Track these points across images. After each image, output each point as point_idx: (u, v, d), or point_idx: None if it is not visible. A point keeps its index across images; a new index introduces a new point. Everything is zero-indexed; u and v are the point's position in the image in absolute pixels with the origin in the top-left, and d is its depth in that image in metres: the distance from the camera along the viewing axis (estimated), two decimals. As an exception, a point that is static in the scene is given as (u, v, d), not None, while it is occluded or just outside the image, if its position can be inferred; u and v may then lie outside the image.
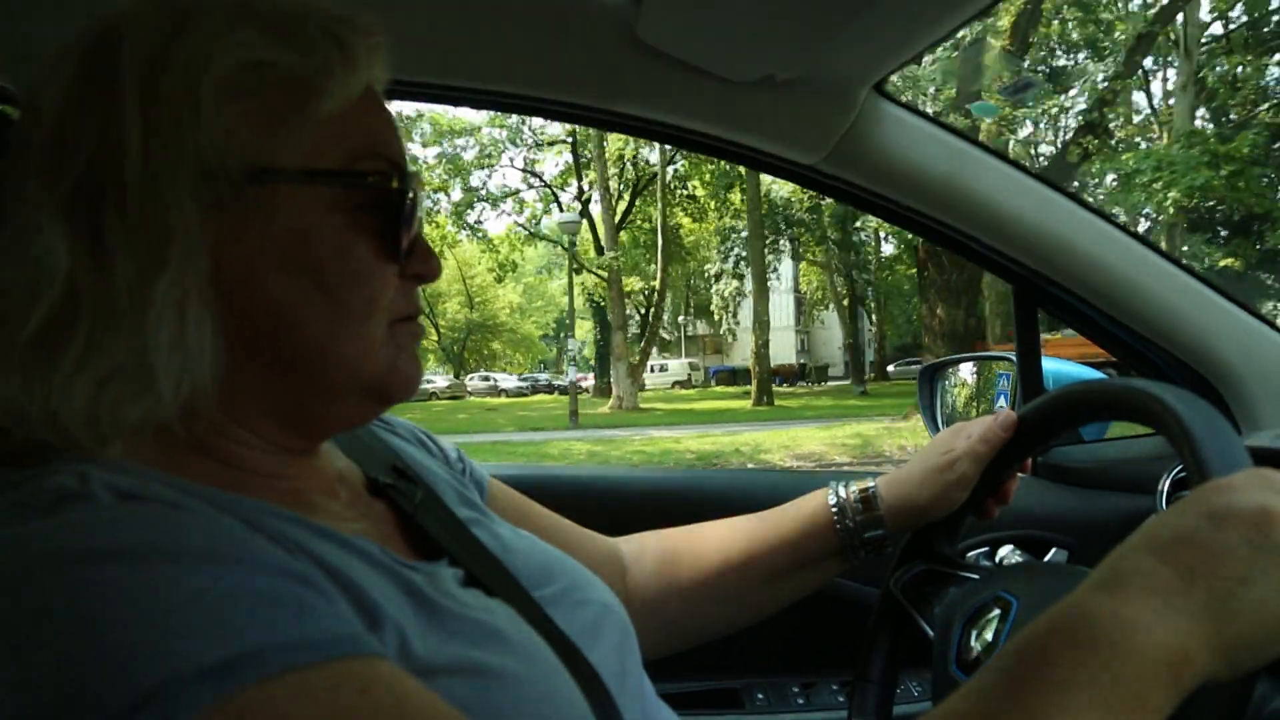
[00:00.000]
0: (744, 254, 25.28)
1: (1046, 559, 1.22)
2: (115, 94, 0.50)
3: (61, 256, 0.48)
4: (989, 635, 0.79)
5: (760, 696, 1.28)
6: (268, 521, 0.50)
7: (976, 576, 0.93)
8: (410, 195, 0.58)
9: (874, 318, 31.25)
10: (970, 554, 1.24)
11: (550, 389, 36.68)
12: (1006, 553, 1.10)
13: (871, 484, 0.91)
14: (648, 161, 23.41)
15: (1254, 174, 15.88)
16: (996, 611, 0.81)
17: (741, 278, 28.31)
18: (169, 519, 0.45)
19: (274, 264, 0.53)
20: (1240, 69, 19.55)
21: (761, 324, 15.96)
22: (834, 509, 0.90)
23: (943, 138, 1.12)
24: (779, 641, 1.24)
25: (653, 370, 33.33)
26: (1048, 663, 0.46)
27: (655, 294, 21.19)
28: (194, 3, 0.54)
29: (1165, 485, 1.14)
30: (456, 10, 0.96)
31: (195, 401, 0.51)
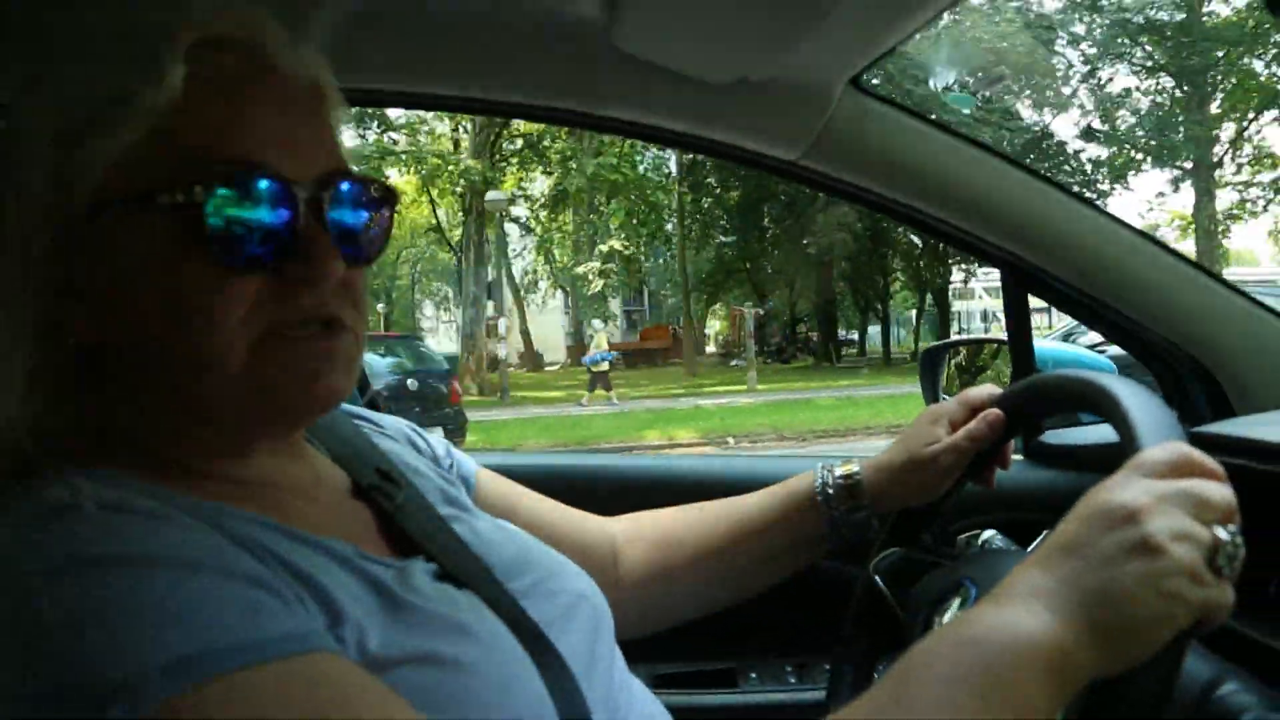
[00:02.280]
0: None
1: (1035, 544, 1.24)
2: None
3: None
4: (950, 619, 0.82)
5: (754, 676, 1.32)
6: (241, 528, 0.55)
7: (948, 564, 0.96)
8: (246, 198, 0.54)
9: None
10: (959, 538, 1.26)
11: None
12: (989, 537, 1.11)
13: (856, 470, 0.93)
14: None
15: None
16: (958, 596, 0.84)
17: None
18: (145, 529, 0.50)
19: (123, 292, 0.55)
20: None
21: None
22: (819, 494, 0.93)
23: (923, 129, 1.13)
24: (773, 623, 1.27)
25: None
26: (928, 662, 0.51)
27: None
28: (43, 45, 0.58)
29: None
30: (436, 19, 0.99)
31: (16, 434, 0.54)
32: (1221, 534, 0.53)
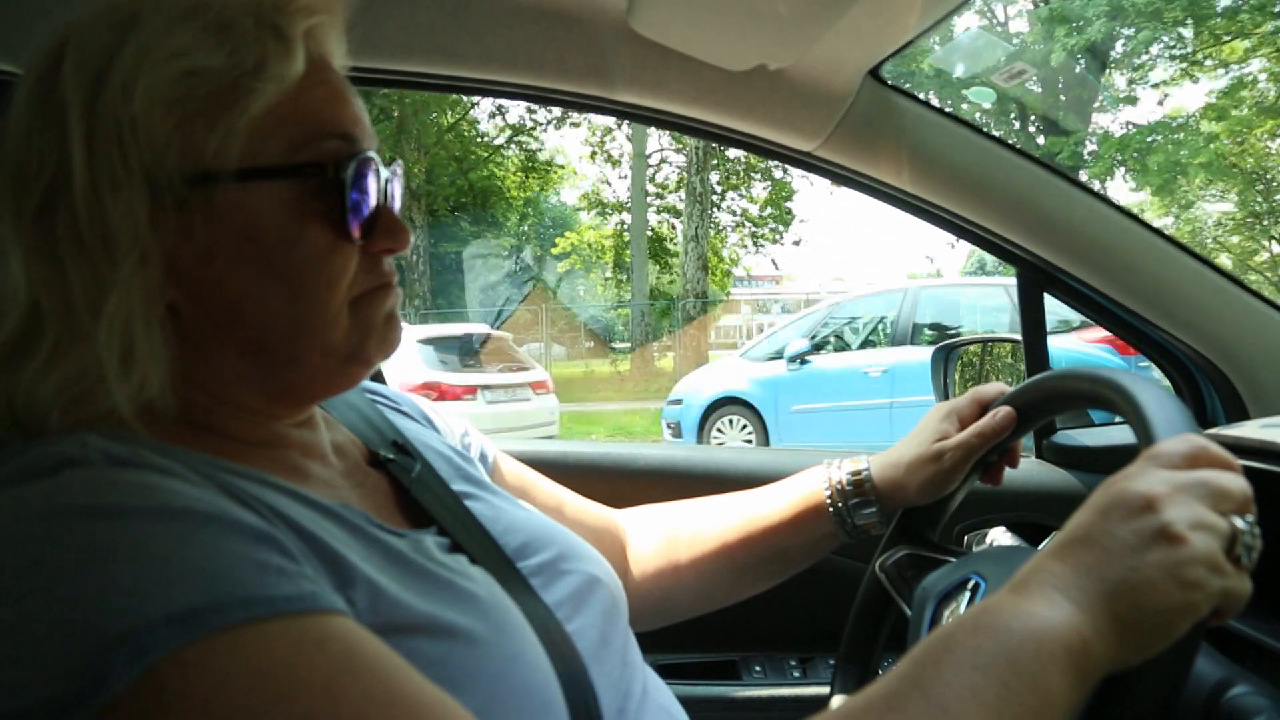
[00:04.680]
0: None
1: (1045, 543, 1.23)
2: (61, 115, 0.53)
3: (22, 276, 0.53)
4: (960, 614, 0.81)
5: (758, 669, 1.31)
6: (247, 487, 0.54)
7: (955, 560, 0.95)
8: (358, 173, 0.59)
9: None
10: (967, 536, 1.25)
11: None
12: (996, 536, 1.11)
13: (864, 466, 0.93)
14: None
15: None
16: (967, 592, 0.83)
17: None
18: (155, 483, 0.49)
19: (229, 259, 0.56)
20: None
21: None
22: (827, 491, 0.93)
23: (943, 124, 1.12)
24: (779, 617, 1.27)
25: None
26: (949, 648, 0.50)
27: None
28: (135, 11, 0.56)
29: None
30: (460, 4, 0.99)
31: (153, 398, 0.55)
32: (1239, 524, 0.53)
